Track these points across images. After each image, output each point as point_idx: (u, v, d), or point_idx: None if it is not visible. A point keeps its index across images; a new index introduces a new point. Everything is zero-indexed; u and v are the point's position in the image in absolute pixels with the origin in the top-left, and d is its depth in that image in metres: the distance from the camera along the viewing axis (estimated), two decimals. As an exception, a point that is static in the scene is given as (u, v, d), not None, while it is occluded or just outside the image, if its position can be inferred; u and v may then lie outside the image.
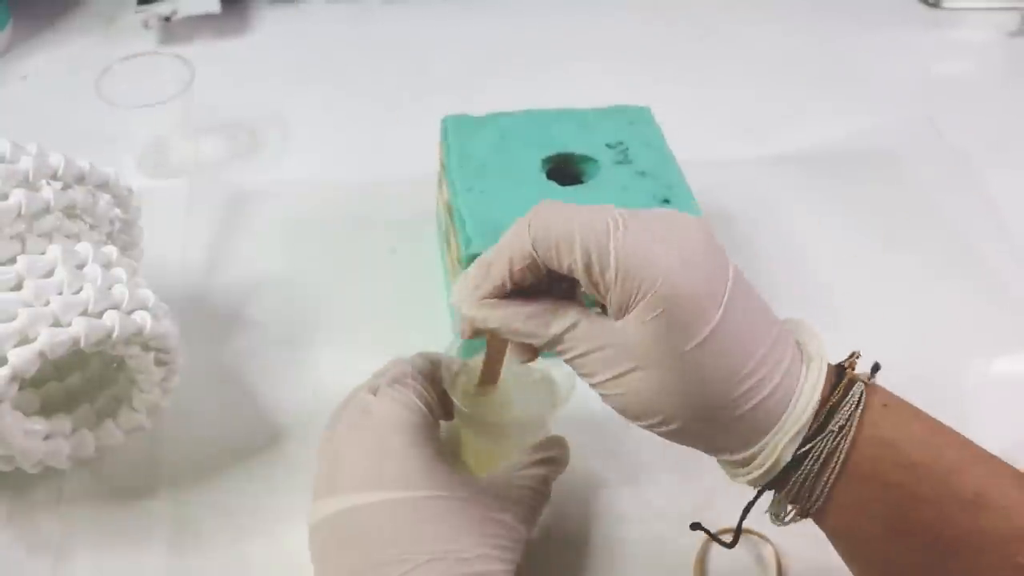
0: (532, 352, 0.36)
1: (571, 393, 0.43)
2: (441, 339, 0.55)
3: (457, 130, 0.57)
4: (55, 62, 0.79)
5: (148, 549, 0.45)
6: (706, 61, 0.83)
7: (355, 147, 0.71)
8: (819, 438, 0.32)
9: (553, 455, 0.42)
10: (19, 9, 0.82)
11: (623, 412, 0.33)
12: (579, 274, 0.32)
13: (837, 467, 0.32)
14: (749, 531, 0.46)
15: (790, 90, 0.79)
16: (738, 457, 0.34)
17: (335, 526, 0.38)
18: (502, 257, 0.34)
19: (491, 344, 0.40)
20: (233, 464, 0.48)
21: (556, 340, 0.34)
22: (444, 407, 0.43)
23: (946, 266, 0.62)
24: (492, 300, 0.35)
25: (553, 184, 0.53)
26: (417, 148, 0.62)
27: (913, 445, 0.33)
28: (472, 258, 0.49)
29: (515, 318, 0.34)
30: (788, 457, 0.33)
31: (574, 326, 0.33)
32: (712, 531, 0.41)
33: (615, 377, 0.32)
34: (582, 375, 0.34)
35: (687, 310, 0.31)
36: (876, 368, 0.35)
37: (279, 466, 0.49)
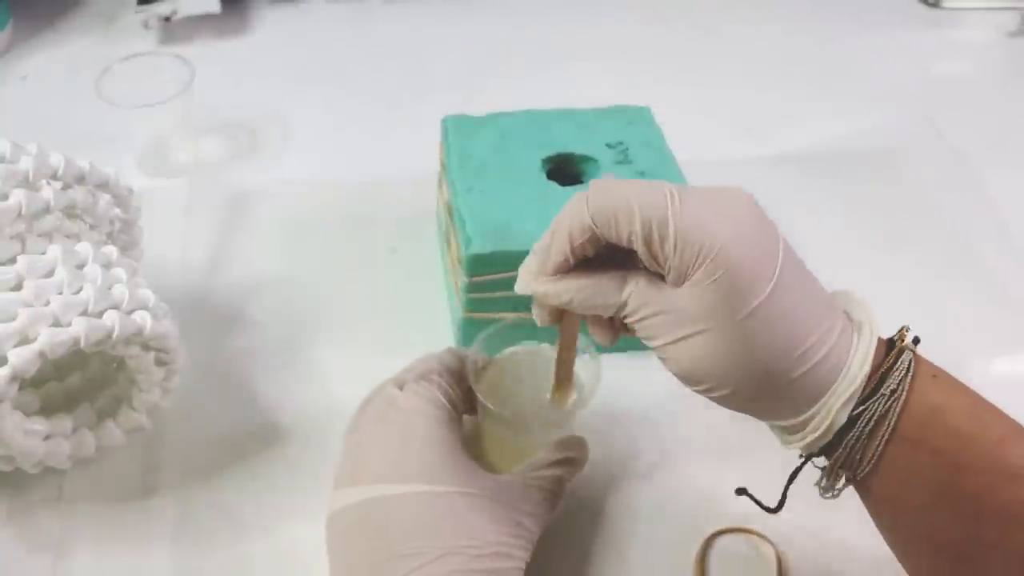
0: (611, 333, 0.37)
1: (594, 392, 0.43)
2: (441, 339, 0.55)
3: (457, 130, 0.57)
4: (55, 62, 0.79)
5: (148, 548, 0.45)
6: (706, 61, 0.83)
7: (355, 147, 0.71)
8: (871, 400, 0.33)
9: (571, 456, 0.43)
10: (19, 9, 0.82)
11: (682, 376, 0.34)
12: (638, 244, 0.33)
13: (889, 431, 0.33)
14: (750, 531, 0.46)
15: (790, 90, 0.79)
16: (793, 422, 0.34)
17: (355, 516, 0.39)
18: (561, 233, 0.35)
19: (563, 337, 0.40)
20: (233, 464, 0.49)
21: (624, 304, 0.34)
22: (469, 403, 0.44)
23: (946, 266, 0.62)
24: (559, 275, 0.35)
25: (553, 184, 0.53)
26: (417, 148, 0.62)
27: (960, 415, 0.34)
28: (472, 258, 0.49)
29: (584, 287, 0.35)
30: (843, 419, 0.33)
31: (637, 290, 0.34)
32: (716, 531, 0.41)
33: (675, 341, 0.33)
34: (644, 338, 0.35)
35: (744, 276, 0.32)
36: (916, 341, 0.36)
37: (279, 465, 0.49)
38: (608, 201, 0.33)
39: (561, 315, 0.38)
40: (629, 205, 0.33)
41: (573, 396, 0.43)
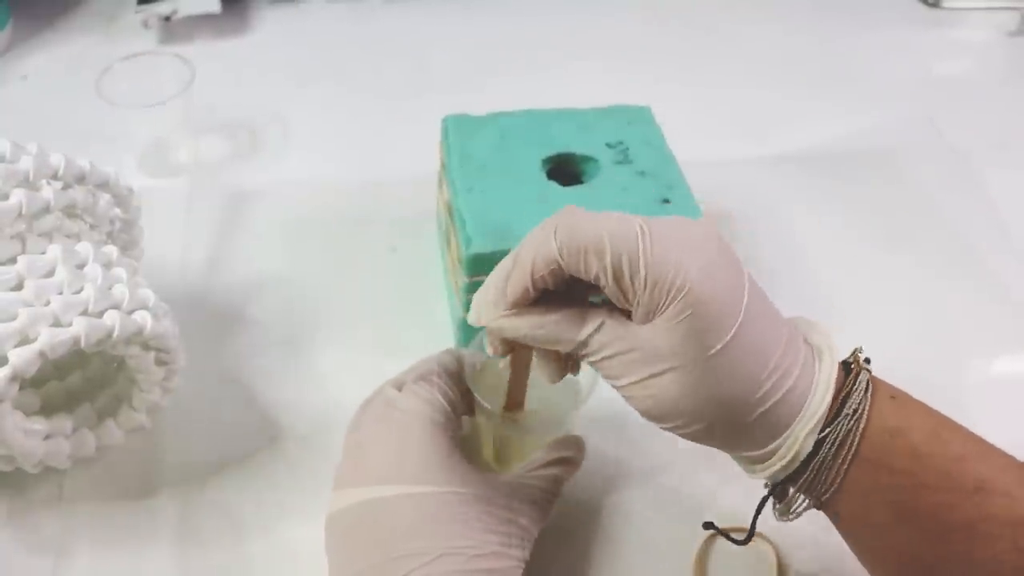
0: (560, 369, 0.37)
1: (592, 392, 0.43)
2: (441, 339, 0.55)
3: (457, 130, 0.57)
4: (55, 62, 0.79)
5: (148, 548, 0.45)
6: (706, 61, 0.83)
7: (355, 147, 0.71)
8: (836, 423, 0.33)
9: (569, 455, 0.43)
10: (19, 9, 0.82)
11: (648, 414, 0.34)
12: (607, 280, 0.33)
13: (851, 452, 0.34)
14: (718, 531, 0.45)
15: (790, 90, 0.79)
16: (759, 452, 0.34)
17: (354, 517, 0.39)
18: (524, 265, 0.34)
19: (515, 366, 0.40)
20: (233, 463, 0.49)
21: (584, 343, 0.34)
22: (467, 404, 0.44)
23: (946, 266, 0.62)
24: (516, 310, 0.35)
25: (553, 184, 0.53)
26: (417, 148, 0.62)
27: (919, 434, 0.34)
28: (472, 258, 0.49)
29: (543, 323, 0.35)
30: (810, 446, 0.34)
31: (600, 328, 0.34)
32: (713, 531, 0.41)
33: (642, 380, 0.33)
34: (608, 377, 0.34)
35: (713, 313, 0.32)
36: (868, 362, 0.36)
37: (279, 465, 0.49)
38: (577, 235, 0.33)
39: (513, 346, 0.38)
40: (600, 241, 0.32)
41: (524, 416, 0.43)
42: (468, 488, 0.39)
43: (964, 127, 0.73)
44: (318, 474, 0.47)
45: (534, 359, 0.39)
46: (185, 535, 0.45)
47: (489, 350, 0.38)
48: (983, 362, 0.57)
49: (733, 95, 0.78)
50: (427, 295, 0.58)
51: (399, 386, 0.43)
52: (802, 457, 0.34)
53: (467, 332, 0.53)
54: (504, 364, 0.45)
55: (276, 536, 0.45)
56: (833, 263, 0.62)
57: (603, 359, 0.34)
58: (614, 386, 0.34)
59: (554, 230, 0.33)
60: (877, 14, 0.90)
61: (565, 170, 0.56)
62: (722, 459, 0.48)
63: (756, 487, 0.43)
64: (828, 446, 0.34)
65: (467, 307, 0.51)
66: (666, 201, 0.52)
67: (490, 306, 0.36)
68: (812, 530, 0.45)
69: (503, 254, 0.48)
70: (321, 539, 0.41)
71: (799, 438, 0.33)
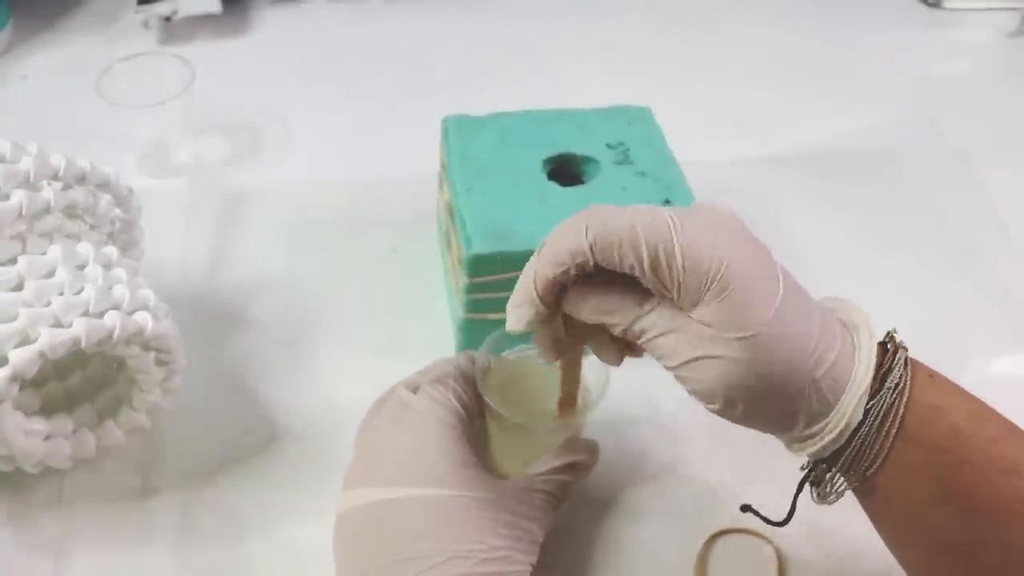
0: (620, 351, 0.37)
1: (601, 397, 0.43)
2: (441, 339, 0.55)
3: (458, 130, 0.57)
4: (55, 62, 0.79)
5: (148, 549, 0.45)
6: (706, 61, 0.83)
7: (355, 147, 0.71)
8: (879, 396, 0.34)
9: (579, 460, 0.43)
10: (19, 9, 0.82)
11: (701, 395, 0.34)
12: (645, 271, 0.33)
13: (895, 426, 0.34)
14: (750, 531, 0.46)
15: (790, 90, 0.79)
16: (810, 429, 0.34)
17: (364, 517, 0.39)
18: (551, 257, 0.34)
19: (566, 366, 0.40)
20: (233, 463, 0.49)
21: (640, 318, 0.34)
22: (482, 407, 0.44)
23: (946, 266, 0.62)
24: (575, 289, 0.35)
25: (553, 184, 0.53)
26: (417, 148, 0.62)
27: (959, 413, 0.34)
28: (473, 258, 0.49)
29: (605, 301, 0.35)
30: (858, 417, 0.34)
31: (656, 307, 0.34)
32: (716, 531, 0.42)
33: (696, 359, 0.33)
34: (661, 358, 0.34)
35: (753, 291, 0.32)
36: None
37: (279, 465, 0.49)
38: (610, 228, 0.33)
39: (564, 347, 0.38)
40: (634, 232, 0.33)
41: (577, 411, 0.43)
42: (479, 492, 0.39)
43: (964, 127, 0.73)
44: (318, 474, 0.47)
45: (585, 358, 0.39)
46: (185, 535, 0.45)
47: (542, 356, 0.38)
48: (983, 362, 0.56)
49: (733, 95, 0.78)
50: (427, 295, 0.58)
51: (413, 387, 0.44)
52: (852, 427, 0.34)
53: (467, 333, 0.53)
54: (515, 362, 0.45)
55: (276, 536, 0.45)
56: (833, 263, 0.62)
57: (657, 337, 0.34)
58: (666, 366, 0.35)
59: (585, 225, 0.34)
60: (877, 15, 0.90)
61: (565, 171, 0.56)
62: (725, 460, 0.49)
63: (760, 487, 0.43)
64: (872, 418, 0.34)
65: (467, 307, 0.51)
66: (666, 202, 0.52)
67: (525, 307, 0.35)
68: (813, 531, 0.45)
69: (503, 255, 0.49)
70: (321, 539, 0.41)
71: (848, 410, 0.33)
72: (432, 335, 0.55)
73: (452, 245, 0.54)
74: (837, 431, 0.34)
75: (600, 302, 0.35)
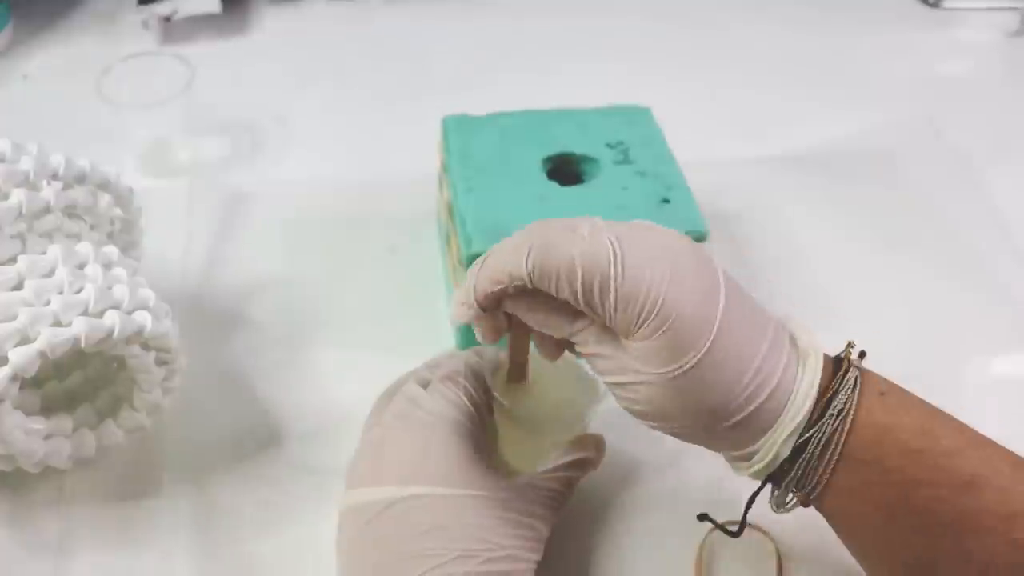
0: (557, 347, 0.38)
1: (606, 393, 0.43)
2: (441, 339, 0.55)
3: (457, 130, 0.57)
4: (55, 62, 0.79)
5: (148, 549, 0.45)
6: (706, 61, 0.83)
7: (355, 147, 0.71)
8: (819, 424, 0.34)
9: (585, 456, 0.43)
10: (19, 9, 0.82)
11: (630, 412, 0.36)
12: (579, 301, 0.34)
13: (837, 452, 0.34)
14: (750, 525, 0.45)
15: (790, 90, 0.79)
16: (741, 453, 0.35)
17: (370, 515, 0.39)
18: (491, 275, 0.36)
19: (513, 341, 0.41)
20: (233, 464, 0.49)
21: (573, 335, 0.36)
22: (491, 404, 0.44)
23: (946, 266, 0.62)
24: (515, 297, 0.36)
25: (553, 184, 0.53)
26: (417, 148, 0.62)
27: (910, 431, 0.34)
28: (473, 258, 0.49)
29: (540, 314, 0.36)
30: (787, 452, 0.34)
31: (588, 328, 0.35)
32: (719, 521, 0.42)
33: (624, 383, 0.34)
34: (595, 371, 0.36)
35: (687, 327, 0.32)
36: (862, 355, 0.36)
37: (279, 465, 0.49)
38: (550, 259, 0.34)
39: (503, 329, 0.39)
40: (572, 266, 0.33)
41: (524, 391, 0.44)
42: (487, 491, 0.39)
43: (964, 127, 0.73)
44: (318, 473, 0.47)
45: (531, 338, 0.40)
46: (185, 535, 0.45)
47: (480, 337, 0.38)
48: (983, 362, 0.57)
49: (733, 95, 0.78)
50: (427, 295, 0.58)
51: (423, 383, 0.43)
52: (780, 459, 0.34)
53: (467, 332, 0.52)
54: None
55: (276, 536, 0.45)
56: (833, 263, 0.62)
57: (589, 355, 0.36)
58: (601, 379, 0.36)
59: (528, 248, 0.34)
60: (877, 14, 0.90)
61: (565, 170, 0.56)
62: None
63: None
64: (813, 446, 0.34)
65: (467, 307, 0.51)
66: (666, 201, 0.52)
67: (464, 307, 0.37)
68: (813, 524, 0.45)
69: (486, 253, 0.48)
70: (322, 538, 0.41)
71: (777, 442, 0.34)
72: (432, 335, 0.55)
73: (452, 245, 0.54)
74: (765, 462, 0.35)
75: (536, 314, 0.36)
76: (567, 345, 0.38)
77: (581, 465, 0.43)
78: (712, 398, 0.33)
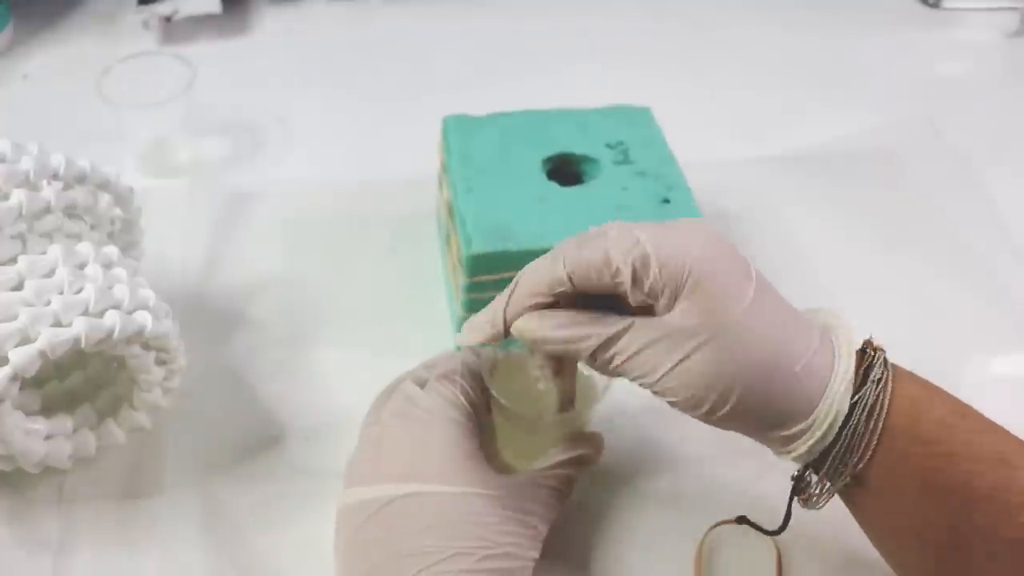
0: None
1: (608, 389, 0.43)
2: (441, 339, 0.55)
3: (457, 130, 0.57)
4: (55, 62, 0.79)
5: (148, 549, 0.45)
6: (706, 61, 0.83)
7: (355, 147, 0.71)
8: (863, 390, 0.34)
9: (584, 454, 0.43)
10: (19, 9, 0.82)
11: (688, 400, 0.35)
12: (625, 280, 0.34)
13: (882, 417, 0.34)
14: (751, 524, 0.46)
15: (790, 90, 0.79)
16: (795, 428, 0.35)
17: (368, 513, 0.39)
18: (527, 288, 0.36)
19: (562, 372, 0.41)
20: (233, 464, 0.49)
21: (613, 339, 0.35)
22: (488, 402, 0.44)
23: (946, 266, 0.62)
24: (538, 311, 0.36)
25: (553, 184, 0.53)
26: (417, 148, 0.62)
27: (943, 407, 0.35)
28: (472, 258, 0.49)
29: (568, 323, 0.36)
30: (846, 408, 0.34)
31: (630, 326, 0.35)
32: (718, 523, 0.43)
33: (674, 367, 0.34)
34: (639, 376, 0.35)
35: (728, 280, 0.34)
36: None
37: (279, 466, 0.49)
38: (584, 255, 0.35)
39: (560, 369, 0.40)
40: (606, 253, 0.34)
41: (578, 408, 0.43)
42: (484, 489, 0.39)
43: (964, 128, 0.73)
44: (319, 474, 0.47)
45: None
46: (185, 535, 0.45)
47: (538, 377, 0.40)
48: (983, 362, 0.57)
49: (733, 95, 0.78)
50: (427, 295, 0.58)
51: (420, 382, 0.43)
52: (840, 421, 0.34)
53: (467, 332, 0.53)
54: (522, 357, 0.45)
55: (277, 536, 0.45)
56: (833, 263, 0.62)
57: (632, 356, 0.35)
58: (645, 384, 0.35)
59: (562, 257, 0.35)
60: (877, 15, 0.90)
61: (565, 170, 0.56)
62: (730, 452, 0.49)
63: (760, 483, 0.43)
64: (860, 412, 0.34)
65: (467, 307, 0.51)
66: (666, 201, 0.52)
67: (486, 328, 0.37)
68: (813, 524, 0.45)
69: (503, 254, 0.49)
70: (322, 538, 0.41)
71: (836, 397, 0.34)
72: (432, 335, 0.55)
73: (452, 245, 0.54)
74: (827, 424, 0.34)
75: (566, 330, 0.36)
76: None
77: (579, 463, 0.43)
78: (766, 349, 0.34)
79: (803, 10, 0.90)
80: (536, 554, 0.40)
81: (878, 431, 0.34)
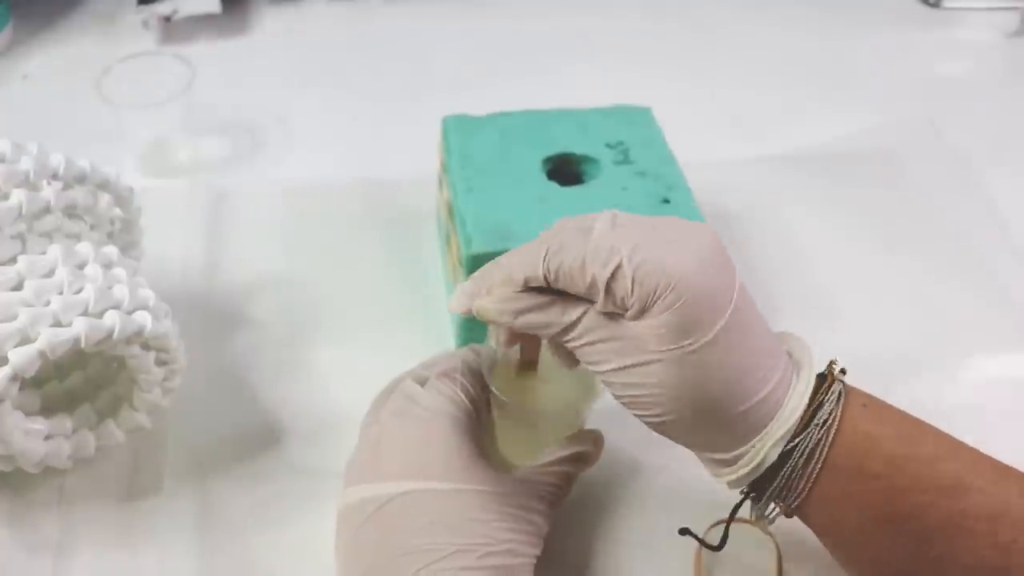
0: (570, 357, 0.38)
1: (605, 388, 0.43)
2: (441, 339, 0.55)
3: (457, 130, 0.57)
4: (55, 62, 0.79)
5: (148, 549, 0.45)
6: (706, 61, 0.83)
7: (355, 147, 0.71)
8: (804, 434, 0.34)
9: (583, 451, 0.43)
10: (19, 9, 0.82)
11: (628, 402, 0.35)
12: (599, 291, 0.34)
13: (819, 462, 0.34)
14: (750, 522, 0.45)
15: (790, 90, 0.79)
16: (726, 456, 0.35)
17: (369, 511, 0.39)
18: (507, 276, 0.36)
19: (525, 343, 0.42)
20: (233, 464, 0.48)
21: (571, 327, 0.35)
22: (488, 400, 0.44)
23: (946, 266, 0.62)
24: (504, 294, 0.37)
25: (553, 184, 0.53)
26: (417, 148, 0.62)
27: (892, 440, 0.35)
28: (472, 258, 0.49)
29: (530, 308, 0.36)
30: (773, 457, 0.35)
31: (585, 314, 0.35)
32: (715, 522, 0.42)
33: (625, 368, 0.34)
34: (590, 363, 0.36)
35: (701, 307, 0.33)
36: (843, 372, 0.37)
37: (279, 466, 0.49)
38: (566, 259, 0.35)
39: (517, 338, 0.39)
40: (583, 262, 0.34)
41: (539, 411, 0.44)
42: (485, 486, 0.39)
43: (964, 128, 0.73)
44: (318, 474, 0.47)
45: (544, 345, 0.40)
46: (185, 535, 0.45)
47: (494, 343, 0.39)
48: (983, 362, 0.56)
49: (733, 95, 0.78)
50: (427, 295, 0.58)
51: (420, 380, 0.43)
52: (767, 465, 0.35)
53: (467, 332, 0.53)
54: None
55: (277, 536, 0.45)
56: (833, 263, 0.62)
57: (586, 344, 0.35)
58: (595, 372, 0.36)
59: (545, 253, 0.35)
60: (877, 14, 0.90)
61: (565, 170, 0.56)
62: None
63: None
64: (798, 455, 0.34)
65: (467, 307, 0.51)
66: (666, 201, 0.52)
67: (467, 296, 0.38)
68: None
69: (503, 254, 0.48)
70: (322, 538, 0.41)
71: (765, 447, 0.34)
72: (432, 335, 0.55)
73: (452, 245, 0.54)
74: (751, 466, 0.35)
75: (527, 316, 0.36)
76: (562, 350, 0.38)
77: (579, 460, 0.43)
78: (718, 383, 0.33)
79: (803, 10, 0.90)
80: (537, 551, 0.40)
81: (815, 473, 0.35)
